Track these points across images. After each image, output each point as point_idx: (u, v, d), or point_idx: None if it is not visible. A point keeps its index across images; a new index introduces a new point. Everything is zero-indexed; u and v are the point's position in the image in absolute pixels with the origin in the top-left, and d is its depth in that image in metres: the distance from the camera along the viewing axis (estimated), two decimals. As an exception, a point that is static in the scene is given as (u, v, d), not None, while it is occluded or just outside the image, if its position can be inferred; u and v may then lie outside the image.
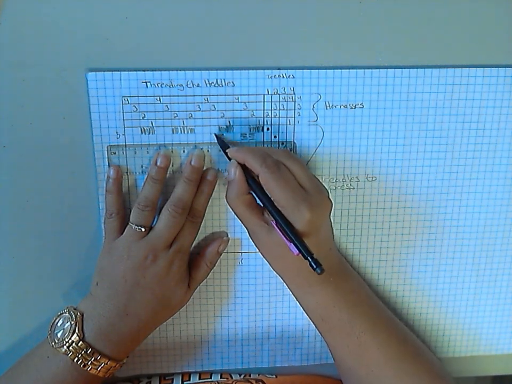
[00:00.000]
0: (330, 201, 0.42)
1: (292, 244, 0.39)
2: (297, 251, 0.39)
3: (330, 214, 0.43)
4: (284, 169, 0.40)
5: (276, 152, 0.42)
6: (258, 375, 0.51)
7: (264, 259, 0.44)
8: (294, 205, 0.39)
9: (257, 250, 0.44)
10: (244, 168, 0.41)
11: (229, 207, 0.43)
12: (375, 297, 0.47)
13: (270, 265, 0.44)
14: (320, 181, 0.43)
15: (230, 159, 0.42)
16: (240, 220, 0.43)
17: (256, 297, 0.50)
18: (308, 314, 0.46)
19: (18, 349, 0.46)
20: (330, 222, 0.45)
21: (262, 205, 0.42)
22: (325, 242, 0.43)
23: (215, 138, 0.44)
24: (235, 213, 0.43)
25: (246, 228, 0.44)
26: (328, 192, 0.42)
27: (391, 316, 0.47)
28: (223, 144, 0.44)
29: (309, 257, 0.38)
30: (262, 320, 0.51)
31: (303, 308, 0.45)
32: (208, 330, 0.51)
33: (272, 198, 0.40)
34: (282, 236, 0.39)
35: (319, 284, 0.43)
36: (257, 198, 0.42)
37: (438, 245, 0.50)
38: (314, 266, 0.38)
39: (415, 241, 0.50)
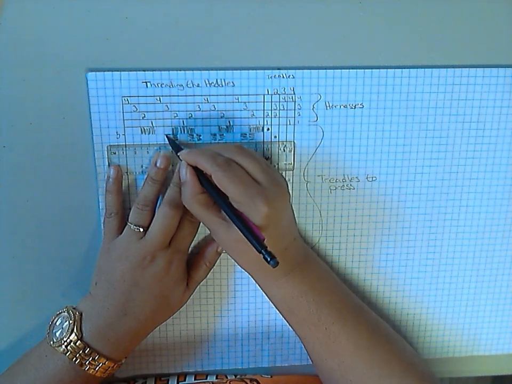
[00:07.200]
0: (288, 192, 0.42)
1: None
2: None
3: (289, 204, 0.43)
4: (235, 166, 0.40)
5: (227, 149, 0.41)
6: (254, 375, 0.51)
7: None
8: (249, 200, 0.39)
9: None
10: (197, 169, 0.41)
11: None
12: (344, 286, 0.47)
13: (236, 261, 0.44)
14: (278, 171, 0.43)
15: None
16: (199, 219, 0.43)
17: (255, 297, 0.50)
18: (276, 308, 0.45)
19: (18, 348, 0.46)
20: (292, 211, 0.44)
21: None
22: (287, 233, 0.43)
23: (167, 140, 0.44)
24: (193, 214, 0.42)
25: (206, 227, 0.44)
26: (286, 182, 0.42)
27: (360, 304, 0.46)
28: (176, 147, 0.43)
29: (262, 251, 0.38)
30: (262, 320, 0.51)
31: (272, 301, 0.45)
32: (208, 330, 0.51)
33: (228, 196, 0.40)
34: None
35: (284, 275, 0.43)
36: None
37: (438, 245, 0.50)
38: (268, 259, 0.37)
39: (415, 241, 0.50)
